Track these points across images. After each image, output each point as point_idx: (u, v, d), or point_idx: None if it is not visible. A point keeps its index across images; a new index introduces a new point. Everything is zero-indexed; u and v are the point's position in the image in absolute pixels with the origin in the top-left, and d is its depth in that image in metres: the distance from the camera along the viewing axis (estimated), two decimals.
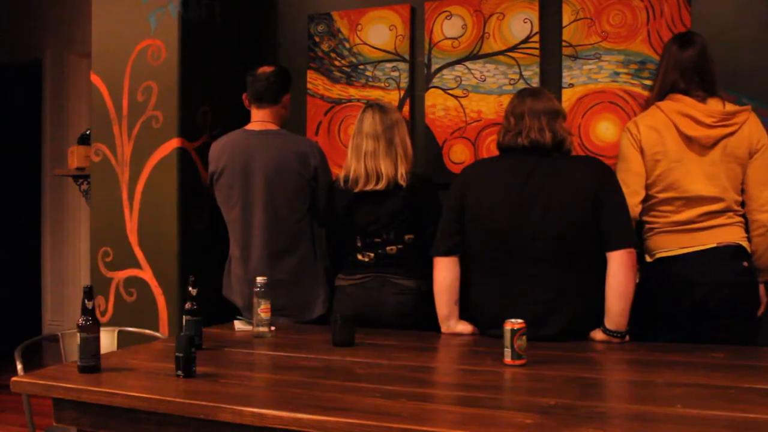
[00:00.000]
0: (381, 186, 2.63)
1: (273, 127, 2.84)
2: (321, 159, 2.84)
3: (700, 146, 2.39)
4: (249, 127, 2.86)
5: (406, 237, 2.68)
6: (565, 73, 2.95)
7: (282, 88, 2.86)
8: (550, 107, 2.36)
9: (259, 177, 2.76)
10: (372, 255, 2.69)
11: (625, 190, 2.32)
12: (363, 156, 2.65)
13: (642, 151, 2.44)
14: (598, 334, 2.27)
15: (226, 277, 2.90)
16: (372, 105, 2.74)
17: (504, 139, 2.39)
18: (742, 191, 2.41)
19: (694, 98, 2.41)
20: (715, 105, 2.41)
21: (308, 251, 2.82)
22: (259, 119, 2.84)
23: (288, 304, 2.74)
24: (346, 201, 2.71)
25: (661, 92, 2.49)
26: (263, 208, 2.76)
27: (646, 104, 2.62)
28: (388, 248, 2.68)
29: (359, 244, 2.71)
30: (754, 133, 2.38)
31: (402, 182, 2.63)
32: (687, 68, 2.44)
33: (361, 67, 3.27)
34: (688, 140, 2.39)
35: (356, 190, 2.66)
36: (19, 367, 2.25)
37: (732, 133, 2.37)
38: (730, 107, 2.41)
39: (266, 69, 2.86)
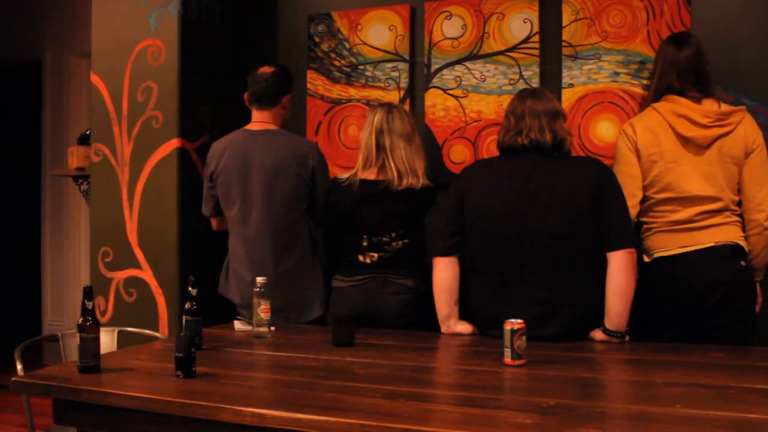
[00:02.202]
0: (406, 185, 2.63)
1: (272, 127, 2.84)
2: (319, 159, 2.83)
3: (696, 146, 2.39)
4: (249, 127, 2.86)
5: (409, 237, 2.68)
6: (565, 73, 2.94)
7: (281, 89, 2.86)
8: (551, 107, 2.36)
9: (257, 176, 2.76)
10: (375, 255, 2.68)
11: None
12: (391, 155, 2.64)
13: (638, 153, 2.44)
14: (598, 334, 2.28)
15: (224, 274, 2.90)
16: (395, 106, 2.75)
17: (504, 139, 2.39)
18: (739, 191, 2.42)
19: (690, 99, 2.41)
20: (710, 105, 2.41)
21: (306, 252, 2.81)
22: (259, 119, 2.85)
23: (285, 305, 2.73)
24: (353, 200, 2.69)
25: (657, 93, 2.49)
26: (261, 207, 2.76)
27: (644, 104, 2.62)
28: (391, 247, 2.67)
29: (365, 244, 2.70)
30: (750, 133, 2.39)
31: (422, 182, 2.65)
32: (683, 68, 2.44)
33: (361, 67, 3.27)
34: (685, 141, 2.40)
35: (381, 188, 2.65)
36: (19, 367, 2.25)
37: (727, 133, 2.37)
38: (725, 107, 2.41)
39: (266, 70, 2.85)
